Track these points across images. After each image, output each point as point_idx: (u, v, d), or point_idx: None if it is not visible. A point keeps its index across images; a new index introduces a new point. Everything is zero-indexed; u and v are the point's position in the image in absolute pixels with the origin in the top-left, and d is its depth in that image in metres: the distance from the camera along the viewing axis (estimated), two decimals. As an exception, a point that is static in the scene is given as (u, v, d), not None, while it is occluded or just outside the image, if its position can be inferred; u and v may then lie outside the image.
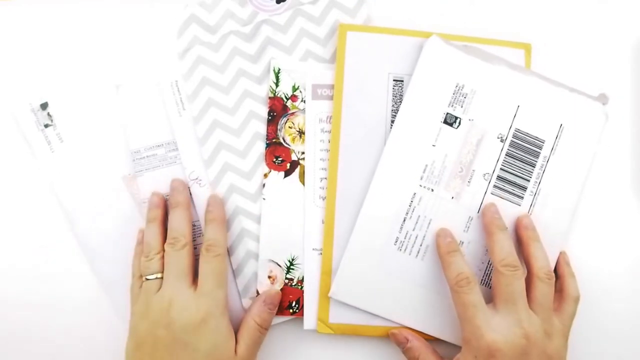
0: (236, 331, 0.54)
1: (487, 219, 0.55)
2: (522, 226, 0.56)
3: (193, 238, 0.56)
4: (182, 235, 0.53)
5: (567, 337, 0.53)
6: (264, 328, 0.54)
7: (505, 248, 0.53)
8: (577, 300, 0.54)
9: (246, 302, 0.57)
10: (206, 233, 0.54)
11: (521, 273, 0.51)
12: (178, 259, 0.53)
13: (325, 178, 0.57)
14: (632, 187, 0.60)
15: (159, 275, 0.53)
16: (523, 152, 0.57)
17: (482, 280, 0.56)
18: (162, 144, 0.58)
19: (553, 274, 0.53)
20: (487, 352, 0.49)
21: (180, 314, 0.51)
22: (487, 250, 0.55)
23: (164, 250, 0.54)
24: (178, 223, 0.54)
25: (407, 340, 0.55)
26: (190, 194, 0.57)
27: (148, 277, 0.53)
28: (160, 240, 0.54)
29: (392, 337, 0.56)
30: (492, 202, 0.56)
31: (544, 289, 0.52)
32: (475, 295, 0.51)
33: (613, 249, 0.59)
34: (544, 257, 0.54)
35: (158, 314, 0.51)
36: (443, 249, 0.55)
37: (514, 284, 0.51)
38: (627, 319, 0.59)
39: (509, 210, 0.56)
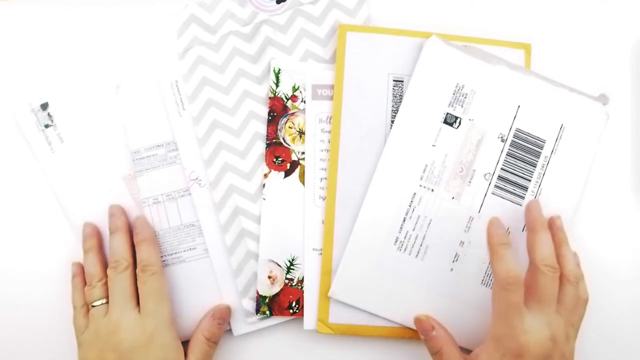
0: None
1: (533, 215, 0.54)
2: (555, 227, 0.55)
3: (185, 240, 0.57)
4: (123, 258, 0.54)
5: (576, 339, 0.53)
6: (213, 342, 0.55)
7: (548, 248, 0.52)
8: (586, 302, 0.54)
9: (246, 303, 0.57)
10: (139, 255, 0.55)
11: (558, 275, 0.51)
12: (121, 282, 0.53)
13: (325, 178, 0.57)
14: (632, 187, 0.60)
15: (104, 301, 0.54)
16: (524, 152, 0.57)
17: (482, 280, 0.56)
18: (162, 144, 0.58)
19: (580, 277, 0.53)
20: (517, 352, 0.49)
21: (127, 335, 0.52)
22: (527, 247, 0.53)
23: (105, 277, 0.55)
24: (118, 247, 0.55)
25: (433, 328, 0.54)
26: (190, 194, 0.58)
27: (94, 304, 0.54)
28: (101, 267, 0.55)
29: (417, 323, 0.55)
30: (537, 199, 0.56)
31: (571, 292, 0.52)
32: (520, 296, 0.50)
33: (613, 249, 0.59)
34: (574, 260, 0.53)
35: (106, 338, 0.52)
36: (495, 239, 0.53)
37: (552, 286, 0.51)
38: (628, 319, 0.59)
39: (509, 210, 0.56)
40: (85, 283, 0.56)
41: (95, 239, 0.56)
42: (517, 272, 0.50)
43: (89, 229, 0.57)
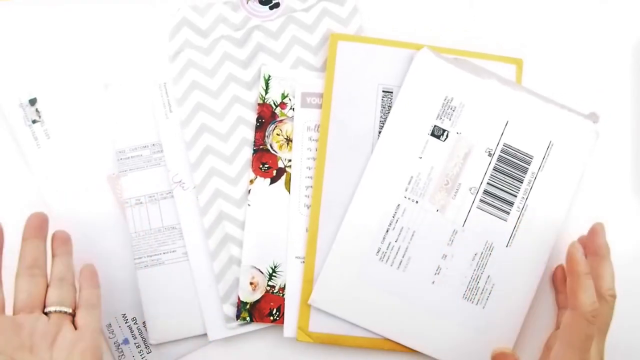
0: None
1: (600, 240, 0.53)
2: (600, 236, 0.54)
3: (166, 242, 0.57)
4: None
5: None
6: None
7: (613, 277, 0.51)
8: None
9: (227, 308, 0.56)
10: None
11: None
12: None
13: (311, 186, 0.57)
14: (632, 188, 0.60)
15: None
16: (511, 167, 0.57)
17: (464, 294, 0.56)
18: (148, 145, 0.58)
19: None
20: None
21: None
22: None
23: None
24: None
25: None
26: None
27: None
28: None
29: (501, 357, 0.53)
30: (602, 222, 0.54)
31: (607, 314, 0.51)
32: (596, 328, 0.48)
33: (613, 249, 0.59)
34: (613, 276, 0.52)
35: None
36: (582, 267, 0.49)
37: (611, 315, 0.50)
38: (628, 319, 0.58)
39: (494, 225, 0.56)
40: None
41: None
42: (598, 305, 0.48)
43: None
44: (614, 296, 0.50)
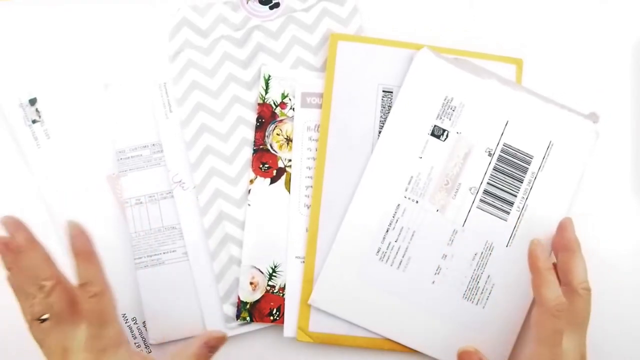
0: None
1: (569, 234, 0.53)
2: (569, 231, 0.54)
3: (166, 242, 0.57)
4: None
5: None
6: None
7: (585, 270, 0.51)
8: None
9: (227, 308, 0.56)
10: (76, 269, 0.46)
11: (591, 296, 0.51)
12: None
13: (311, 186, 0.57)
14: (632, 188, 0.60)
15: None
16: (511, 167, 0.57)
17: (464, 294, 0.56)
18: (148, 145, 0.58)
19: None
20: None
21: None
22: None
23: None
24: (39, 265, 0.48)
25: None
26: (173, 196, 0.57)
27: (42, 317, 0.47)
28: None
29: (465, 355, 0.52)
30: (570, 217, 0.55)
31: (583, 307, 0.51)
32: (565, 322, 0.48)
33: (613, 249, 0.59)
34: (585, 269, 0.52)
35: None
36: (542, 263, 0.50)
37: (588, 309, 0.50)
38: (629, 320, 0.58)
39: (494, 225, 0.56)
40: None
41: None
42: (564, 299, 0.48)
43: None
44: (587, 289, 0.50)
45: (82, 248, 0.46)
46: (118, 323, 0.47)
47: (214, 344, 0.51)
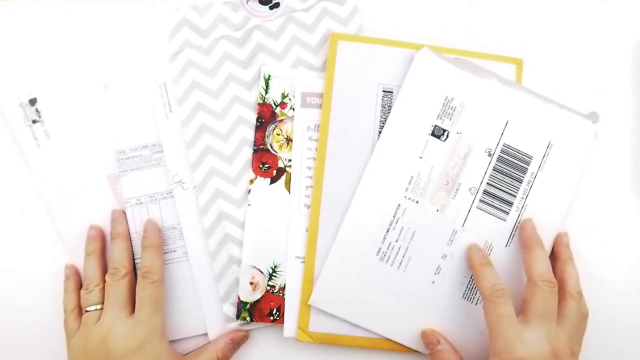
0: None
1: (527, 233, 0.55)
2: (562, 244, 0.56)
3: (166, 242, 0.57)
4: (122, 265, 0.54)
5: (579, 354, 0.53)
6: None
7: (545, 264, 0.53)
8: (587, 317, 0.54)
9: (227, 308, 0.56)
10: (143, 260, 0.55)
11: (556, 290, 0.52)
12: (118, 289, 0.53)
13: (311, 186, 0.57)
14: (632, 189, 0.60)
15: (99, 307, 0.54)
16: (510, 167, 0.57)
17: (464, 294, 0.56)
18: (148, 145, 0.58)
19: (581, 293, 0.54)
20: None
21: (117, 342, 0.51)
22: (523, 263, 0.55)
23: (103, 282, 0.54)
24: (118, 254, 0.55)
25: (439, 342, 0.54)
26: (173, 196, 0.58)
27: (88, 308, 0.54)
28: (99, 272, 0.55)
29: (423, 336, 0.55)
30: (530, 217, 0.56)
31: (575, 307, 0.53)
32: (509, 307, 0.51)
33: (613, 250, 0.59)
34: (577, 277, 0.54)
35: (96, 344, 0.52)
36: (476, 261, 0.54)
37: (550, 300, 0.51)
38: (629, 321, 0.58)
39: (494, 225, 0.56)
40: (77, 286, 0.56)
41: (98, 243, 0.56)
42: (501, 285, 0.52)
43: (94, 232, 0.56)
44: (549, 281, 0.52)
45: (154, 242, 0.55)
46: (165, 315, 0.54)
47: (239, 341, 0.57)
